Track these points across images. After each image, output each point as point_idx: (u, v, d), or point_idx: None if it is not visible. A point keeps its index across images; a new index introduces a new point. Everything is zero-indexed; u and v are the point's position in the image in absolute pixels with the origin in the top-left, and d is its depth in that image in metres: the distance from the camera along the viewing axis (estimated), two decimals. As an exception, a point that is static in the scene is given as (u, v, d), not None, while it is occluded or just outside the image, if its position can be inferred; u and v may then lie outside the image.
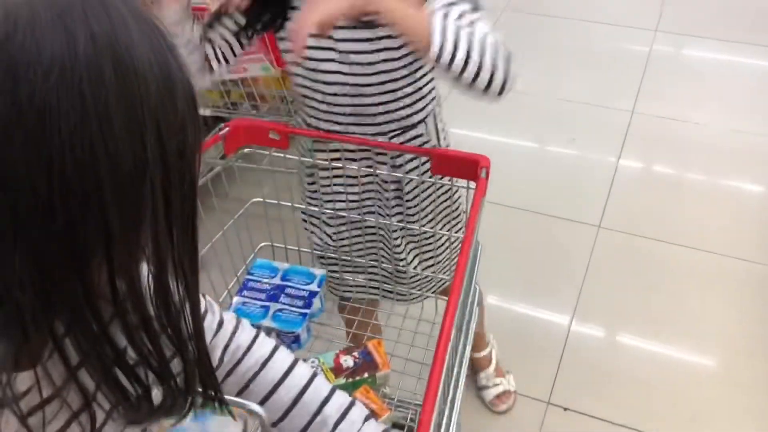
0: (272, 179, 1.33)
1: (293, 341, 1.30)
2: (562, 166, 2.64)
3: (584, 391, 1.84)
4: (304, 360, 1.26)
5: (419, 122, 1.28)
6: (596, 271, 2.18)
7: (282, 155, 1.25)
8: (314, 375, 0.77)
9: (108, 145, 0.43)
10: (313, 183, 1.35)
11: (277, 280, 1.35)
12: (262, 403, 0.75)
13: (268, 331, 1.30)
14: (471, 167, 1.09)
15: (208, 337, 0.71)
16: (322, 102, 1.24)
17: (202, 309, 0.71)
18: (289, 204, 1.33)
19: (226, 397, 0.61)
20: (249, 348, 0.77)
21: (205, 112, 2.03)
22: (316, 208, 1.35)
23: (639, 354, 1.95)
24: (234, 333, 0.76)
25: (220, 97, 1.99)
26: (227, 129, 1.21)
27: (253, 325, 1.28)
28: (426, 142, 1.31)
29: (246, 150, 1.27)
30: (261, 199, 1.34)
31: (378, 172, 1.26)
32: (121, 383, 0.49)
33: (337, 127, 1.26)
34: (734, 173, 2.59)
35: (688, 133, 2.79)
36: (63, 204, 0.42)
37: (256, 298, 1.32)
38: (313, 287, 1.33)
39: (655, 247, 2.26)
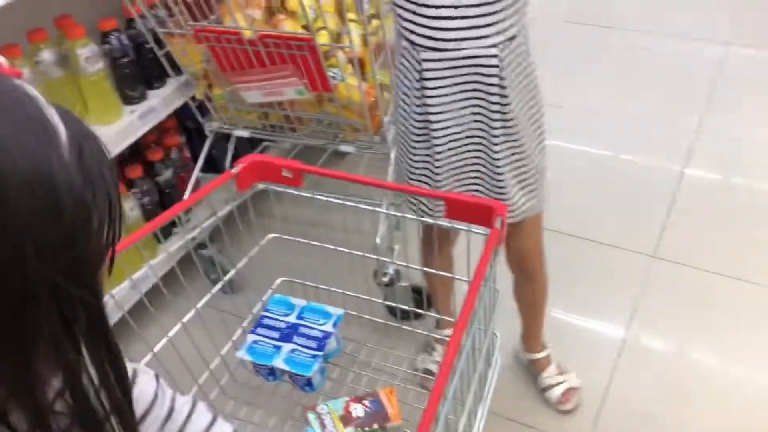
0: (292, 211, 1.30)
1: (306, 384, 1.26)
2: (619, 188, 2.51)
3: None
4: (314, 408, 1.22)
5: (519, 33, 1.28)
6: (648, 311, 2.05)
7: (295, 192, 1.21)
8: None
9: None
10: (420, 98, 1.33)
11: (292, 318, 1.32)
12: None
13: (281, 373, 1.27)
14: (486, 214, 1.03)
15: (154, 426, 0.67)
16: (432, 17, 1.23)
17: (151, 395, 0.67)
18: (306, 241, 1.29)
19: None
20: None
21: (243, 133, 2.02)
22: (416, 131, 1.37)
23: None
24: (187, 421, 0.71)
25: (258, 119, 1.97)
26: (240, 166, 1.18)
27: (265, 364, 1.26)
28: (525, 51, 1.31)
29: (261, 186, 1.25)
30: (278, 235, 1.31)
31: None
32: None
33: (449, 45, 1.24)
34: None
35: (758, 154, 2.60)
36: None
37: (269, 337, 1.29)
38: (328, 327, 1.29)
39: (716, 282, 2.11)
